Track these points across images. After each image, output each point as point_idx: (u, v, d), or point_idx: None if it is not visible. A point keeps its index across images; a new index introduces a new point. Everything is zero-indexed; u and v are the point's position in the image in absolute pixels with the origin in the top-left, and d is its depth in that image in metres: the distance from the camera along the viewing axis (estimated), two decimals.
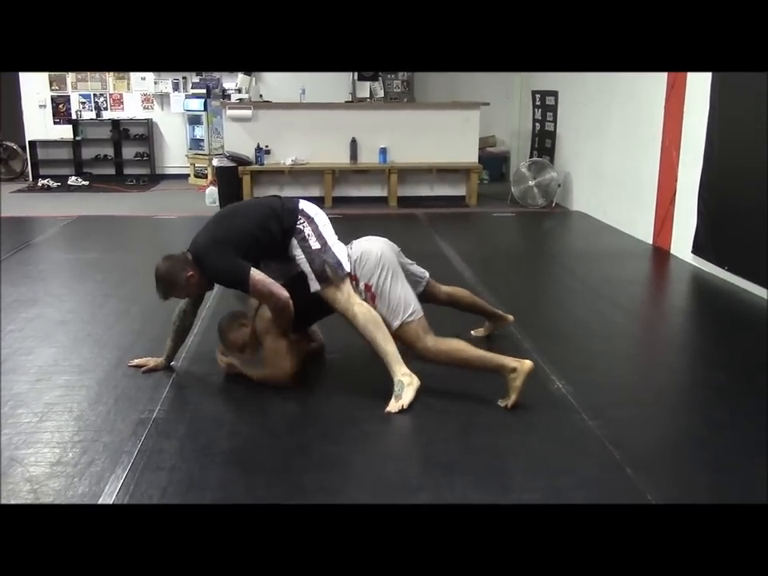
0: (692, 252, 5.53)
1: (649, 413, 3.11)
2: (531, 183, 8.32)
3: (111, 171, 10.66)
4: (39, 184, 9.85)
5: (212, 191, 8.45)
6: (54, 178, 9.98)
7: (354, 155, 8.47)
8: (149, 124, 10.59)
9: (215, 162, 8.62)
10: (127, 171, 10.67)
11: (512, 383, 3.00)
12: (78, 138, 10.50)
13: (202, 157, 10.03)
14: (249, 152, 8.30)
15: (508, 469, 2.60)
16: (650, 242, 6.27)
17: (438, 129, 8.50)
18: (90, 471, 2.53)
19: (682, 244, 5.73)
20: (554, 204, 8.38)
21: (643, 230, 6.38)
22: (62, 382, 3.32)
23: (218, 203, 8.25)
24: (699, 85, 5.41)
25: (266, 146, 8.35)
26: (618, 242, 6.54)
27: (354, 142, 8.43)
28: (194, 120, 10.16)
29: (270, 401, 3.16)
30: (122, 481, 2.45)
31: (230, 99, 9.39)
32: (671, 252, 5.93)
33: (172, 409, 3.07)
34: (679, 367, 3.77)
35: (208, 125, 9.96)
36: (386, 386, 3.26)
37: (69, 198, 9.13)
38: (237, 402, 3.17)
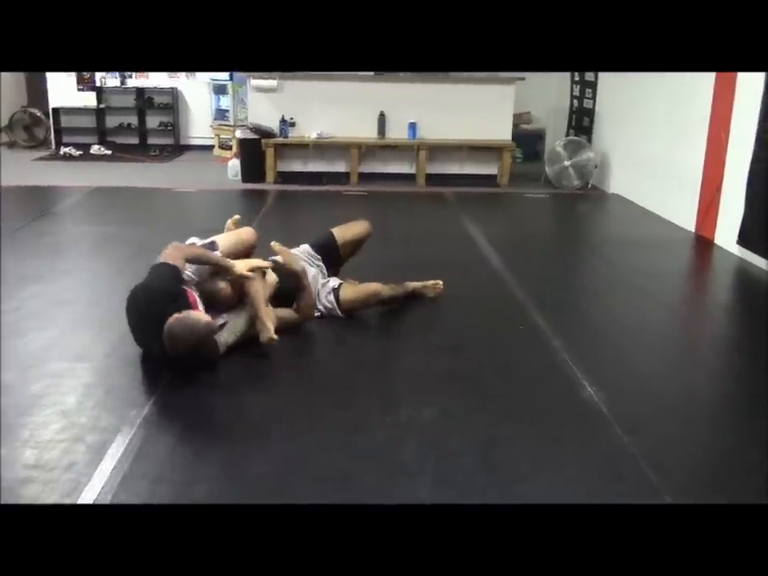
0: (737, 243, 5.20)
1: (691, 427, 2.81)
2: (567, 163, 7.98)
3: (135, 140, 10.44)
4: (61, 152, 9.67)
5: (234, 164, 8.21)
6: (76, 146, 9.78)
7: (381, 130, 8.17)
8: (173, 93, 10.33)
9: (238, 134, 8.37)
10: (151, 141, 10.43)
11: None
12: (101, 106, 10.29)
13: (226, 128, 9.77)
14: (273, 124, 8.02)
15: (529, 490, 2.32)
16: (693, 230, 5.92)
17: (471, 104, 8.16)
18: (67, 477, 2.29)
19: (727, 233, 5.38)
20: (590, 186, 8.03)
21: (685, 217, 6.02)
22: (52, 371, 3.10)
23: (240, 176, 8.03)
24: None
25: (291, 119, 8.06)
26: (657, 229, 6.18)
27: (382, 116, 8.13)
28: (220, 89, 9.89)
29: (271, 404, 2.90)
30: (97, 492, 2.21)
31: None
32: (715, 242, 5.57)
33: (165, 405, 2.83)
34: (724, 372, 3.46)
35: (233, 95, 9.69)
36: (396, 392, 3.00)
37: (91, 167, 8.93)
38: (235, 402, 2.90)
